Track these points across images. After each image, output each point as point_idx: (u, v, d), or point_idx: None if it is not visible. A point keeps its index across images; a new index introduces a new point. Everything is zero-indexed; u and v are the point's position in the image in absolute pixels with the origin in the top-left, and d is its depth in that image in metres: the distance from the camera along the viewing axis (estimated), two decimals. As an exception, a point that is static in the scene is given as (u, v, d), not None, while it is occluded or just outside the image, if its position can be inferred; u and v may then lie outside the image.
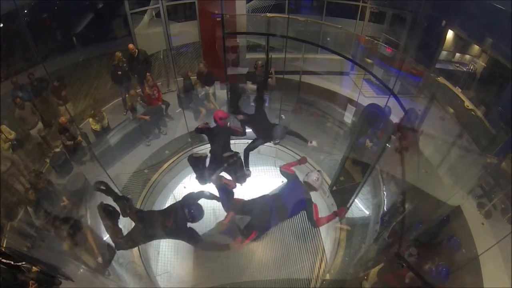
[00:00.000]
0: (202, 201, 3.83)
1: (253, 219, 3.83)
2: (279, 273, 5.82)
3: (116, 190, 5.49)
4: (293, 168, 4.13)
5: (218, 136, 4.67)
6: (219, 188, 4.17)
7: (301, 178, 3.98)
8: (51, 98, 6.61)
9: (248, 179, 5.00)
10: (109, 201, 3.78)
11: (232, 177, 4.72)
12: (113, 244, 3.90)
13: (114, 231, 3.72)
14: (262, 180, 6.96)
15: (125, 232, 3.88)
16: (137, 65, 6.90)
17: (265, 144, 5.62)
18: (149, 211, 4.58)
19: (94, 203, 5.74)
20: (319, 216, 3.76)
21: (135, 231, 3.82)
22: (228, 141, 4.82)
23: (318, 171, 4.05)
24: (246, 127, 5.22)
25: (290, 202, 3.78)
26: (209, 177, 4.62)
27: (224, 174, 4.64)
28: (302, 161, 4.44)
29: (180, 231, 3.73)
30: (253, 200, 3.93)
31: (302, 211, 3.86)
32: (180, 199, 3.88)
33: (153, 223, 3.76)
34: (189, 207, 3.63)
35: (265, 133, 5.11)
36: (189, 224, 3.70)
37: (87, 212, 5.57)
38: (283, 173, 4.10)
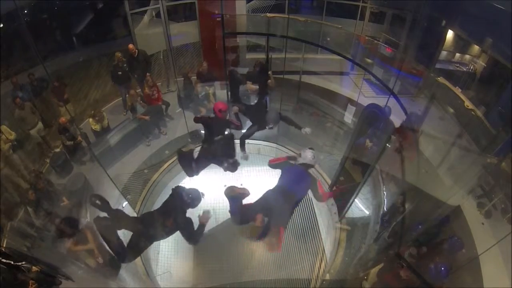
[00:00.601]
0: (202, 201, 3.86)
1: (269, 217, 3.77)
2: (279, 273, 5.81)
3: (116, 191, 5.54)
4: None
5: (215, 127, 4.73)
6: (231, 199, 4.10)
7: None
8: (52, 98, 6.61)
9: (246, 165, 5.13)
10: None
11: (223, 166, 4.77)
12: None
13: (116, 243, 3.73)
14: (262, 180, 6.96)
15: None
16: (137, 65, 6.90)
17: (265, 143, 5.66)
18: (146, 213, 4.56)
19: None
20: (324, 190, 3.81)
21: (135, 238, 3.82)
22: (223, 133, 4.90)
23: (311, 148, 3.99)
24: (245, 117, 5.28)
25: (295, 186, 3.74)
26: (197, 169, 4.69)
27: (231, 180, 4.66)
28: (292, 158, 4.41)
29: (181, 224, 3.74)
30: (260, 199, 3.83)
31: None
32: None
33: (153, 223, 3.76)
34: (186, 192, 3.67)
35: (261, 119, 5.22)
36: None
37: (87, 212, 5.57)
38: (273, 165, 4.04)
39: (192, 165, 4.72)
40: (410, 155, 4.63)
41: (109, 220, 3.72)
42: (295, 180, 3.77)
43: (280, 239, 3.72)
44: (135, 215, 5.62)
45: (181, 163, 4.91)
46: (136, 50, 6.80)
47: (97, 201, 3.66)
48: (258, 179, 7.06)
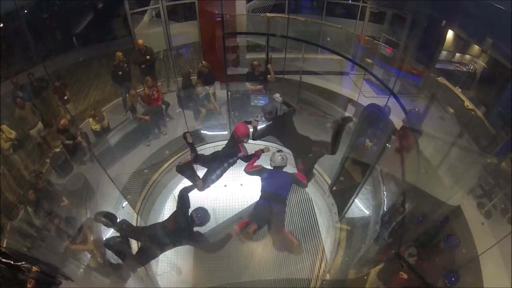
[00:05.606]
0: (202, 201, 3.84)
1: (268, 225, 3.95)
2: (279, 273, 5.81)
3: (116, 192, 5.53)
4: (257, 163, 4.24)
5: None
6: None
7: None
8: (54, 98, 6.60)
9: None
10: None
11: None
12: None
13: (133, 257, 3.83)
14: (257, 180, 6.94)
15: None
16: (146, 61, 6.96)
17: (266, 144, 5.44)
18: (152, 224, 4.43)
19: (94, 203, 5.75)
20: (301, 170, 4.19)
21: (144, 248, 3.86)
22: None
23: (279, 151, 4.21)
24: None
25: (280, 189, 3.96)
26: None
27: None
28: (258, 153, 4.32)
29: (185, 232, 3.71)
30: (254, 213, 4.01)
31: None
32: (177, 199, 3.87)
33: (157, 232, 3.75)
34: (195, 211, 3.63)
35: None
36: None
37: (87, 212, 5.57)
38: (250, 172, 4.17)
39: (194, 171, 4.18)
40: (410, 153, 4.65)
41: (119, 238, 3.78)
42: (278, 183, 4.00)
43: (290, 238, 3.94)
44: (135, 215, 5.62)
45: (186, 176, 4.27)
46: (145, 47, 6.86)
47: (102, 218, 3.63)
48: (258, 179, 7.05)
